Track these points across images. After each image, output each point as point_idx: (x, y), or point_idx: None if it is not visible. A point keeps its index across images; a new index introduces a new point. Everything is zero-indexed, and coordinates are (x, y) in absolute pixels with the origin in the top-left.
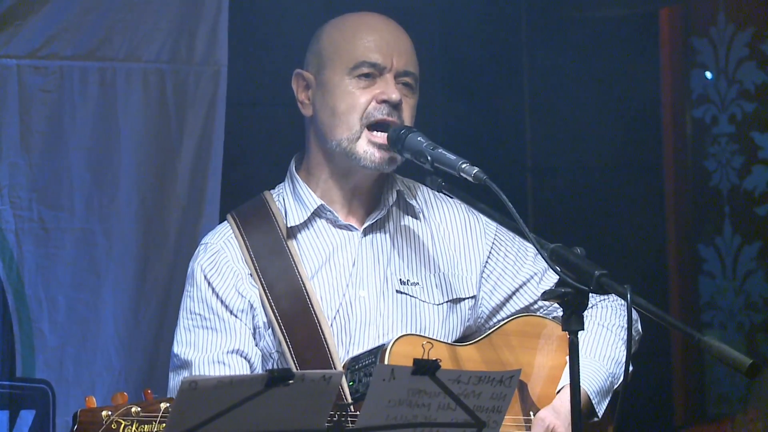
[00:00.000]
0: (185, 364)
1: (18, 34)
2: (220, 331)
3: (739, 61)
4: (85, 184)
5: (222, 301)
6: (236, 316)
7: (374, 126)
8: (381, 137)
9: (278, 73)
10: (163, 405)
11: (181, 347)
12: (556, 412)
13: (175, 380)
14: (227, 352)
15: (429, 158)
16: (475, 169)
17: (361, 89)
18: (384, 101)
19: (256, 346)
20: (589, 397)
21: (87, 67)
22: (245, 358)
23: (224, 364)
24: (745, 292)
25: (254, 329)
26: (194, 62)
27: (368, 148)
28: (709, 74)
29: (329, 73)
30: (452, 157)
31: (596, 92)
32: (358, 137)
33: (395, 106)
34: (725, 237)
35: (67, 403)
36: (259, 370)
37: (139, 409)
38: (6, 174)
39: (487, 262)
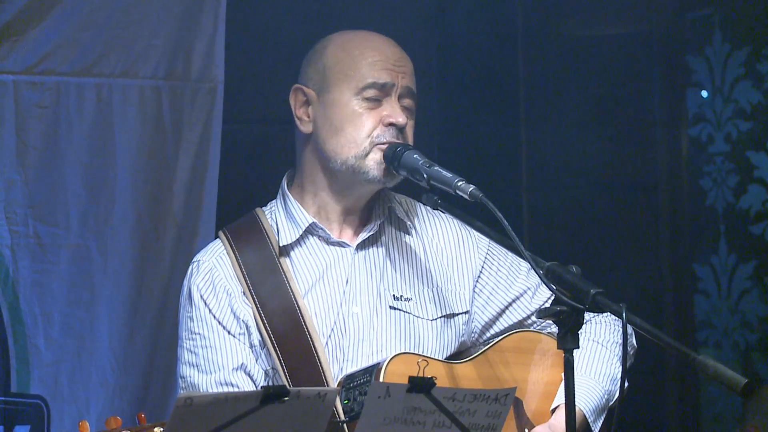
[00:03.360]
0: (192, 388)
1: (14, 50)
2: (221, 349)
3: (735, 80)
4: (80, 200)
5: (219, 322)
6: (234, 336)
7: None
8: None
9: (275, 91)
10: (157, 429)
11: (186, 369)
12: (552, 430)
13: None
14: (233, 369)
15: (425, 176)
16: (471, 187)
17: (368, 110)
18: (391, 124)
19: (255, 362)
20: (584, 415)
21: (83, 84)
22: (248, 374)
23: (231, 385)
24: (741, 311)
25: (251, 347)
26: (191, 79)
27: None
28: (704, 93)
29: (335, 92)
30: (448, 174)
31: (592, 111)
32: (367, 153)
33: (401, 129)
34: (720, 256)
35: (61, 419)
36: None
37: None
38: (2, 189)
39: (479, 276)
